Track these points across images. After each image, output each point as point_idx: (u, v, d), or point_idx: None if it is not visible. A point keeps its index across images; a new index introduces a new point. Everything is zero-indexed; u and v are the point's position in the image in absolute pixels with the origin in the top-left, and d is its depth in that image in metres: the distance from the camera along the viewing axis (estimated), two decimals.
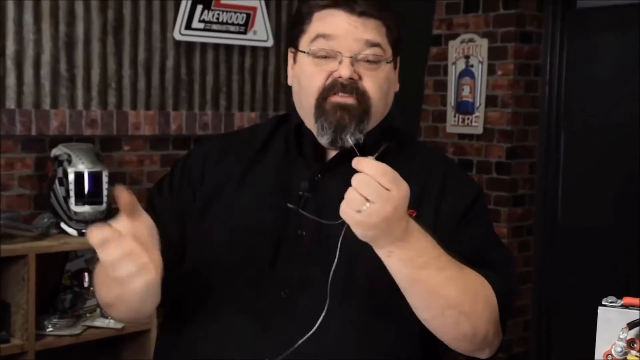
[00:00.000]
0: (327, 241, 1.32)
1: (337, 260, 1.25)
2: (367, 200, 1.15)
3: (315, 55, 1.38)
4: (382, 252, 1.24)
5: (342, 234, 1.23)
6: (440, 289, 1.27)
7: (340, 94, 1.35)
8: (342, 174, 1.36)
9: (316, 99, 1.37)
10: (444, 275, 1.27)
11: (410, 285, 1.27)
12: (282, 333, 1.34)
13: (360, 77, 1.36)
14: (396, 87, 1.47)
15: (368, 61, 1.37)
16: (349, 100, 1.35)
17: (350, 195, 1.16)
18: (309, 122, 1.41)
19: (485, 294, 1.32)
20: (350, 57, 1.35)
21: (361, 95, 1.36)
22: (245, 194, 1.44)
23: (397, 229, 1.20)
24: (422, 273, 1.25)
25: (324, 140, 1.38)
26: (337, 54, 1.36)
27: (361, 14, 1.36)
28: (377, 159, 1.28)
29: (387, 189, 1.15)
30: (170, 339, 1.48)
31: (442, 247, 1.28)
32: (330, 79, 1.36)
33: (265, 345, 1.34)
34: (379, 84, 1.38)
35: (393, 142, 1.44)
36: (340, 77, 1.36)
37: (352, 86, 1.35)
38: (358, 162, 1.17)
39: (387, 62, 1.40)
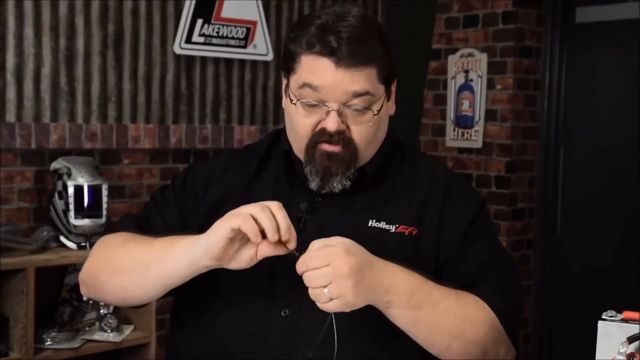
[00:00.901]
0: None
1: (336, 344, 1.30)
2: (324, 287, 1.21)
3: (303, 104, 1.37)
4: (382, 306, 1.28)
5: (333, 319, 1.29)
6: (440, 324, 1.30)
7: (327, 144, 1.36)
8: (342, 195, 1.39)
9: (306, 144, 1.39)
10: (441, 309, 1.30)
11: (413, 328, 1.31)
12: (282, 352, 1.35)
13: (348, 126, 1.36)
14: (391, 111, 1.46)
15: (356, 110, 1.36)
16: (336, 149, 1.36)
17: (313, 297, 1.23)
18: (300, 152, 1.42)
19: (486, 317, 1.34)
20: (337, 109, 1.35)
21: (348, 145, 1.37)
22: None
23: (374, 275, 1.25)
24: (420, 313, 1.29)
25: (312, 185, 1.39)
26: (324, 105, 1.35)
27: (348, 64, 1.32)
28: (377, 183, 1.40)
29: (327, 265, 1.21)
30: (178, 346, 1.49)
31: (430, 276, 1.32)
32: (318, 127, 1.37)
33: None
34: (367, 130, 1.38)
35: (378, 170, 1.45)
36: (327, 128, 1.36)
37: (339, 136, 1.36)
38: (298, 267, 1.24)
39: (378, 102, 1.38)
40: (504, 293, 1.38)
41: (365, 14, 1.40)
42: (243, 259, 1.27)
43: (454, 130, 4.08)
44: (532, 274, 4.00)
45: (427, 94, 4.22)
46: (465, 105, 4.02)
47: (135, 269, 1.38)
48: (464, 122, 4.03)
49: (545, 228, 3.98)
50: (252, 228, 1.22)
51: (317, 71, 1.34)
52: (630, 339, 1.06)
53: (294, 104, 1.38)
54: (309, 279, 1.22)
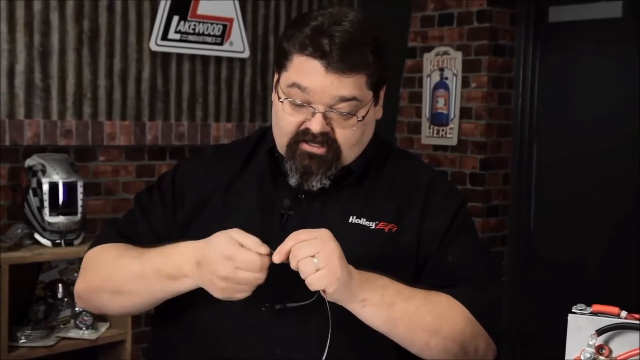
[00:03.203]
0: None
1: (330, 330, 1.31)
2: (312, 256, 1.23)
3: (290, 102, 1.38)
4: (357, 306, 1.29)
5: (328, 305, 1.28)
6: (416, 320, 1.32)
7: (310, 143, 1.38)
8: (324, 192, 1.40)
9: (288, 141, 1.40)
10: (415, 305, 1.32)
11: (390, 327, 1.32)
12: (263, 344, 1.36)
13: (332, 129, 1.38)
14: (379, 115, 1.47)
15: (341, 113, 1.37)
16: (318, 150, 1.38)
17: (300, 267, 1.24)
18: (282, 148, 1.44)
19: (461, 313, 1.36)
20: (323, 112, 1.36)
21: (331, 146, 1.38)
22: (229, 210, 1.47)
23: (352, 270, 1.27)
24: (395, 310, 1.30)
25: (292, 181, 1.41)
26: (310, 106, 1.36)
27: (338, 69, 1.33)
28: (359, 180, 1.42)
29: (315, 238, 1.25)
30: (161, 341, 1.51)
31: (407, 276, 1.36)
32: (303, 127, 1.38)
33: (244, 357, 1.37)
34: (351, 133, 1.39)
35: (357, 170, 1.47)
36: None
37: (322, 137, 1.37)
38: (280, 251, 1.26)
39: (364, 107, 1.39)
40: (481, 290, 1.39)
41: (364, 19, 1.40)
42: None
43: (430, 128, 4.10)
44: (506, 270, 4.04)
45: (403, 92, 4.24)
46: (441, 102, 4.04)
47: (139, 293, 1.41)
48: (439, 120, 4.05)
49: (519, 225, 4.02)
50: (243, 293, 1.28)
51: (307, 73, 1.35)
52: (599, 332, 1.07)
53: (282, 101, 1.39)
54: (297, 249, 1.24)
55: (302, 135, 1.38)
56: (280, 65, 1.40)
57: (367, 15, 1.43)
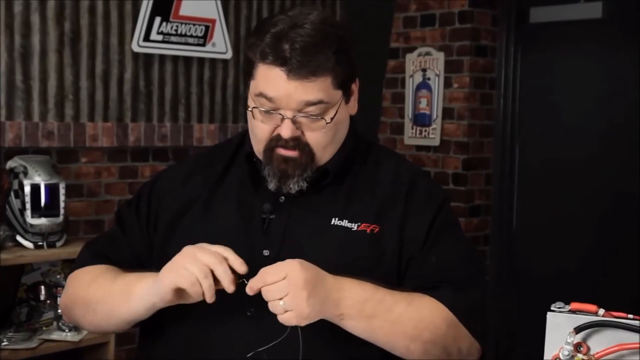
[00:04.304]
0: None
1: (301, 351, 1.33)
2: (280, 299, 1.26)
3: (260, 110, 1.39)
4: (336, 320, 1.32)
5: (299, 334, 1.32)
6: (395, 329, 1.34)
7: (283, 149, 1.39)
8: (305, 195, 1.42)
9: (263, 148, 1.42)
10: (395, 315, 1.34)
11: (370, 336, 1.35)
12: (248, 350, 1.36)
13: (302, 132, 1.39)
14: (353, 110, 1.48)
15: (310, 116, 1.38)
16: (292, 154, 1.39)
17: (270, 307, 1.28)
18: (259, 154, 1.45)
19: (443, 316, 1.37)
20: (291, 117, 1.37)
21: (303, 149, 1.39)
22: (210, 217, 1.47)
23: (329, 289, 1.29)
24: (374, 322, 1.33)
25: (270, 186, 1.42)
26: (279, 113, 1.37)
27: (299, 75, 1.33)
28: (339, 181, 1.43)
29: (283, 279, 1.26)
30: (147, 350, 1.52)
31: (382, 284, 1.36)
32: (275, 133, 1.39)
33: None
34: (322, 135, 1.40)
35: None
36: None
37: (294, 142, 1.38)
38: (252, 287, 1.29)
39: (333, 107, 1.39)
40: (464, 292, 1.40)
41: (325, 19, 1.39)
42: (196, 297, 1.32)
43: (412, 128, 4.12)
44: (489, 270, 4.06)
45: (386, 93, 4.25)
46: (423, 103, 4.06)
47: (102, 311, 1.45)
48: (421, 120, 4.07)
49: (501, 225, 4.04)
50: (197, 292, 1.29)
51: (270, 81, 1.35)
52: (577, 329, 1.08)
53: (251, 110, 1.41)
54: (266, 292, 1.27)
55: (275, 141, 1.39)
56: (248, 74, 1.41)
57: (329, 14, 1.42)
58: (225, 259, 1.30)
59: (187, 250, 1.31)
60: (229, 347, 1.38)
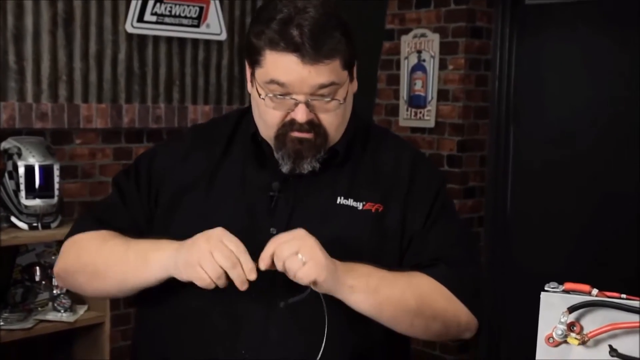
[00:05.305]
0: None
1: (327, 326, 1.34)
2: (296, 253, 1.28)
3: (271, 97, 1.39)
4: (345, 292, 1.34)
5: (322, 296, 1.32)
6: (400, 303, 1.37)
7: (298, 132, 1.40)
8: (311, 174, 1.44)
9: (275, 133, 1.42)
10: (398, 290, 1.37)
11: (377, 312, 1.37)
12: (255, 326, 1.39)
13: (316, 115, 1.40)
14: (355, 88, 1.49)
15: (323, 99, 1.39)
16: (307, 135, 1.40)
17: (287, 265, 1.29)
18: (269, 139, 1.45)
19: (440, 292, 1.42)
20: (305, 101, 1.37)
21: (318, 130, 1.41)
22: (214, 194, 1.48)
23: (334, 262, 1.31)
24: (380, 296, 1.36)
25: (284, 169, 1.43)
26: (292, 98, 1.38)
27: (313, 59, 1.34)
28: (344, 161, 1.47)
29: (293, 238, 1.29)
30: (146, 332, 1.53)
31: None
32: (288, 118, 1.40)
33: (238, 338, 1.39)
34: (335, 116, 1.42)
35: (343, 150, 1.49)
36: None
37: (309, 125, 1.39)
38: (263, 258, 1.30)
39: (343, 88, 1.41)
40: (461, 269, 1.45)
41: (325, 2, 1.40)
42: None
43: (407, 110, 4.12)
44: (483, 251, 4.07)
45: (381, 74, 4.25)
46: (418, 85, 4.06)
47: (113, 278, 1.46)
48: (416, 102, 4.07)
49: (495, 206, 4.05)
50: (209, 287, 1.30)
51: (283, 68, 1.35)
52: (571, 309, 1.09)
53: (263, 98, 1.40)
54: (280, 251, 1.28)
55: (289, 126, 1.40)
56: (254, 61, 1.40)
57: None
58: (239, 261, 1.30)
59: (204, 244, 1.30)
60: (233, 322, 1.40)
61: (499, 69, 4.00)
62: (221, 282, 1.29)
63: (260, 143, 1.48)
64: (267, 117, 1.42)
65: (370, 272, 1.36)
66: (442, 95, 3.99)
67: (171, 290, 1.42)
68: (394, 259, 1.44)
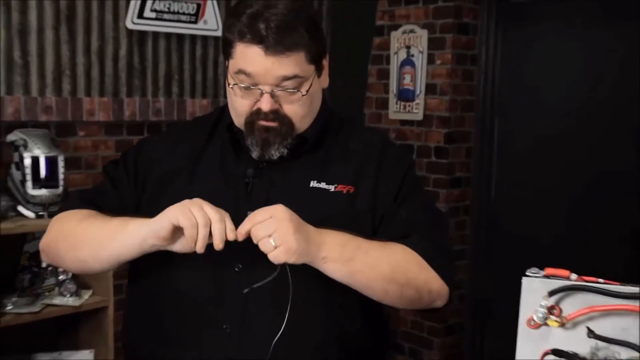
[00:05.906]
0: None
1: (290, 299, 1.39)
2: (269, 236, 1.33)
3: (240, 87, 1.49)
4: (319, 263, 1.41)
5: (287, 269, 1.38)
6: (374, 272, 1.45)
7: (264, 121, 1.50)
8: (284, 160, 1.54)
9: (245, 121, 1.52)
10: (372, 258, 1.45)
11: (350, 279, 1.45)
12: (237, 301, 1.48)
13: (280, 105, 1.49)
14: (325, 84, 1.59)
15: (287, 90, 1.47)
16: (272, 124, 1.50)
17: (260, 246, 1.34)
18: (239, 124, 1.55)
19: (414, 260, 1.49)
20: (270, 92, 1.46)
21: (282, 120, 1.50)
22: (196, 182, 1.58)
23: (311, 233, 1.39)
24: (354, 265, 1.43)
25: (254, 154, 1.53)
26: (258, 88, 1.47)
27: (276, 51, 1.42)
28: (315, 148, 1.54)
29: (270, 217, 1.34)
30: (133, 310, 1.62)
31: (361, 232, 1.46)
32: (255, 107, 1.50)
33: (220, 312, 1.49)
34: (299, 107, 1.50)
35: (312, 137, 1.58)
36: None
37: (273, 114, 1.49)
38: (240, 232, 1.35)
39: (308, 81, 1.49)
40: (432, 239, 1.53)
41: (295, 1, 1.47)
42: (186, 246, 1.37)
43: (397, 103, 4.18)
44: (469, 238, 4.16)
45: (371, 69, 4.30)
46: (407, 79, 4.12)
47: (90, 244, 1.49)
48: (405, 96, 4.13)
49: (480, 196, 4.11)
50: (192, 236, 1.34)
51: (249, 59, 1.44)
52: (551, 293, 1.13)
53: (232, 87, 1.50)
54: (255, 230, 1.35)
55: (256, 114, 1.49)
56: (226, 53, 1.50)
57: None
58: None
59: (196, 199, 1.36)
60: (219, 301, 1.49)
61: (485, 64, 4.04)
62: (204, 232, 1.32)
63: (235, 133, 1.58)
64: (237, 106, 1.51)
65: (347, 242, 1.42)
66: (430, 89, 4.04)
67: (156, 266, 1.50)
68: (366, 236, 1.48)
